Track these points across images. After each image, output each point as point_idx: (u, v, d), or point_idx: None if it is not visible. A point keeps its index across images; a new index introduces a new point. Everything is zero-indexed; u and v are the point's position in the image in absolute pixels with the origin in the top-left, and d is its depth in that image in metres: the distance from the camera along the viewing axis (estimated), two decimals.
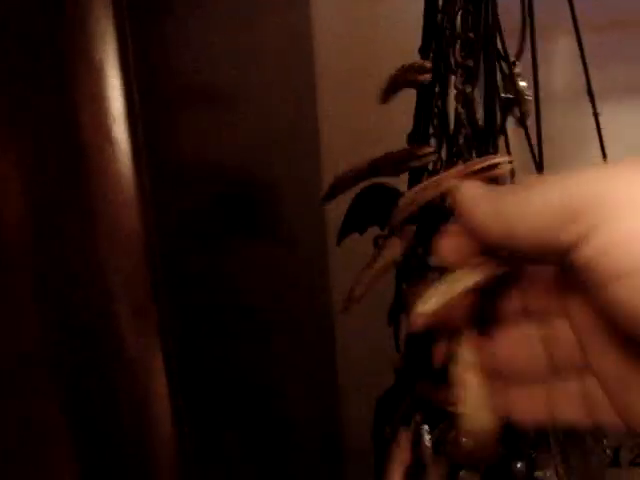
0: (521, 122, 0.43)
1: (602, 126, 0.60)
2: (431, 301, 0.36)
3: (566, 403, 0.35)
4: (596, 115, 0.48)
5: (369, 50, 0.65)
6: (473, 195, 0.33)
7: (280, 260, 0.61)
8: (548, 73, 0.61)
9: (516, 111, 0.44)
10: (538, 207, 0.29)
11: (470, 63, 0.43)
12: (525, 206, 0.30)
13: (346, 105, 0.64)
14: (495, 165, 0.37)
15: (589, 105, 0.58)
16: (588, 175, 0.29)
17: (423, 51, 0.47)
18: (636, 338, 0.28)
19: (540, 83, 0.59)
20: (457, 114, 0.43)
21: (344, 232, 0.50)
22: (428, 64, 0.46)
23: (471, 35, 0.42)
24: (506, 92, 0.43)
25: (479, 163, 0.37)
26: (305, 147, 0.70)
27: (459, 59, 0.43)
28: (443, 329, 0.38)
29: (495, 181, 0.37)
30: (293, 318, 0.63)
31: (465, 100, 0.44)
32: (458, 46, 0.43)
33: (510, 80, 0.43)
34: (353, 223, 0.49)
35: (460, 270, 0.36)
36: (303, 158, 0.69)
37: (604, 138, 0.60)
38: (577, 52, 0.57)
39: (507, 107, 0.43)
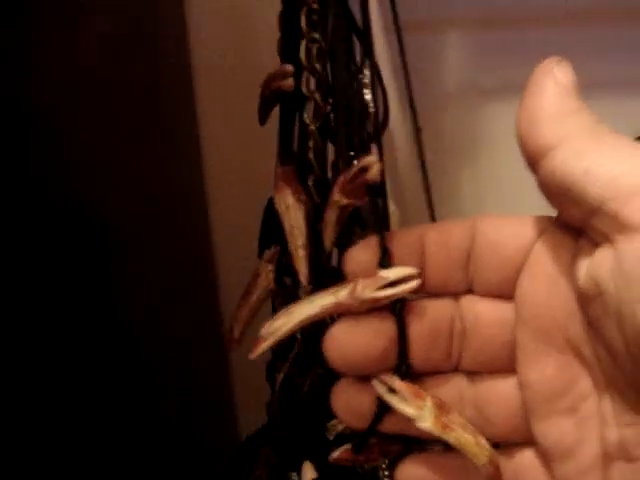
0: (372, 138, 0.39)
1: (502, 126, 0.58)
2: (277, 323, 0.33)
3: None
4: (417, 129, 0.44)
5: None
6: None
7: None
8: (438, 71, 0.58)
9: (368, 125, 0.40)
10: None
11: (317, 67, 0.39)
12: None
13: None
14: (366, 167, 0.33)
15: (485, 103, 0.55)
16: None
17: (283, 53, 0.43)
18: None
19: (430, 81, 0.56)
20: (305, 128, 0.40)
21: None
22: (289, 68, 0.42)
23: (316, 36, 0.38)
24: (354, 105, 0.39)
25: (353, 168, 0.34)
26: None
27: (304, 62, 0.39)
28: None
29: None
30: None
31: (315, 111, 0.40)
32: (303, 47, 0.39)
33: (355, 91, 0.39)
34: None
35: (323, 291, 0.32)
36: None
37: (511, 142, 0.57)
38: (472, 47, 0.54)
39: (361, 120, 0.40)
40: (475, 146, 0.59)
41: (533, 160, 0.28)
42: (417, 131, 0.43)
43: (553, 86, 0.28)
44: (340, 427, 0.41)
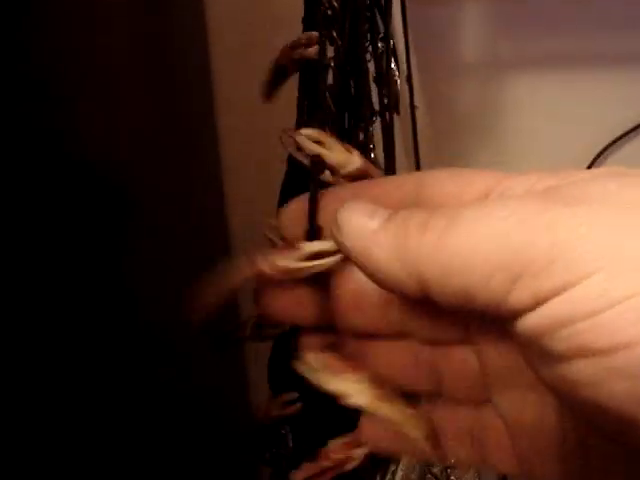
0: (388, 107, 0.40)
1: (522, 97, 0.58)
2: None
3: (451, 434, 0.28)
4: (412, 107, 0.44)
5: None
6: (364, 225, 0.23)
7: None
8: (457, 42, 0.58)
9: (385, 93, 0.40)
10: (478, 251, 0.20)
11: (334, 35, 0.39)
12: (456, 247, 0.21)
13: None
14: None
15: (504, 76, 0.55)
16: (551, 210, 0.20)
17: (306, 22, 0.43)
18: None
19: (445, 53, 0.56)
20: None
21: None
22: (315, 34, 0.42)
23: (335, 4, 0.38)
24: (376, 71, 0.40)
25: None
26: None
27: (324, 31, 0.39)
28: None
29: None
30: None
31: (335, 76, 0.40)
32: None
33: (378, 58, 0.39)
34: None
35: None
36: None
37: (524, 109, 0.57)
38: (489, 19, 0.54)
39: (380, 88, 0.40)
40: (492, 118, 0.60)
41: None
42: (412, 108, 0.43)
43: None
44: None
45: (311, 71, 0.43)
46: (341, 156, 0.30)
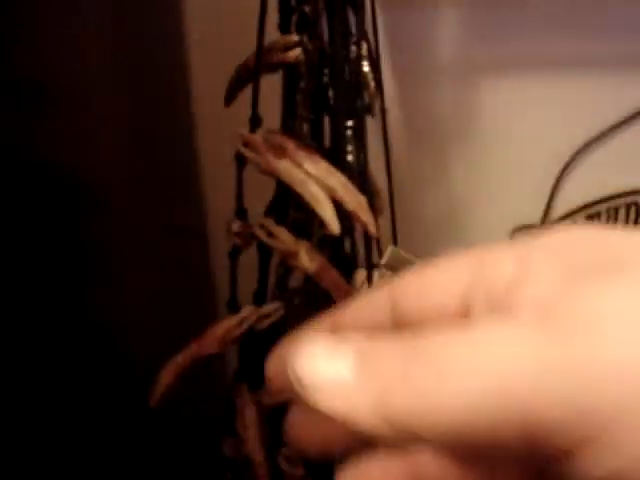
0: (366, 109, 0.40)
1: (496, 101, 0.58)
2: None
3: None
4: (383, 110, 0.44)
5: None
6: (331, 377, 0.19)
7: None
8: (432, 46, 0.58)
9: (365, 96, 0.41)
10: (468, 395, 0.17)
11: (305, 39, 0.39)
12: (446, 395, 0.18)
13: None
14: None
15: (479, 79, 0.55)
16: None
17: (283, 25, 0.44)
18: None
19: (422, 56, 0.56)
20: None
21: None
22: (294, 38, 0.42)
23: (306, 9, 0.39)
24: (351, 76, 0.40)
25: None
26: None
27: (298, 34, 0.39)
28: None
29: None
30: None
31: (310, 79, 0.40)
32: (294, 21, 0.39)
33: (353, 63, 0.39)
34: None
35: None
36: None
37: (499, 113, 0.58)
38: (465, 23, 0.54)
39: (357, 91, 0.40)
40: (467, 123, 0.60)
41: None
42: (383, 112, 0.43)
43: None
44: None
45: (293, 73, 0.43)
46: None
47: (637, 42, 0.60)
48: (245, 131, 0.41)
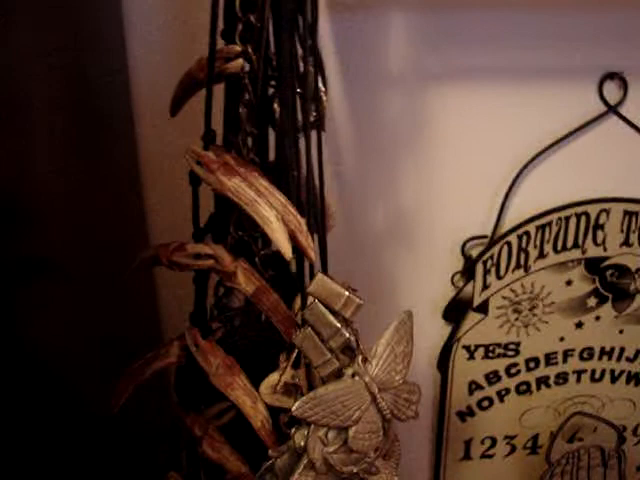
0: (316, 123, 0.38)
1: (448, 109, 0.57)
2: None
3: None
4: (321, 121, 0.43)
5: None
6: None
7: None
8: (383, 54, 0.57)
9: (313, 110, 0.39)
10: None
11: (249, 50, 0.38)
12: None
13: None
14: None
15: (430, 87, 0.54)
16: None
17: (226, 34, 0.42)
18: None
19: (372, 66, 0.55)
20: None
21: None
22: (237, 49, 0.41)
23: (252, 19, 0.37)
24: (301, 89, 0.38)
25: None
26: None
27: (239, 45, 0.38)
28: None
29: None
30: None
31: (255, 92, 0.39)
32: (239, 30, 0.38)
33: (302, 77, 0.38)
34: None
35: None
36: None
37: (450, 121, 0.57)
38: (416, 31, 0.53)
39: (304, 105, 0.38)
40: (417, 134, 0.59)
41: None
42: (321, 121, 0.43)
43: None
44: None
45: (236, 84, 0.42)
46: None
47: (585, 53, 0.60)
48: (198, 148, 0.39)
